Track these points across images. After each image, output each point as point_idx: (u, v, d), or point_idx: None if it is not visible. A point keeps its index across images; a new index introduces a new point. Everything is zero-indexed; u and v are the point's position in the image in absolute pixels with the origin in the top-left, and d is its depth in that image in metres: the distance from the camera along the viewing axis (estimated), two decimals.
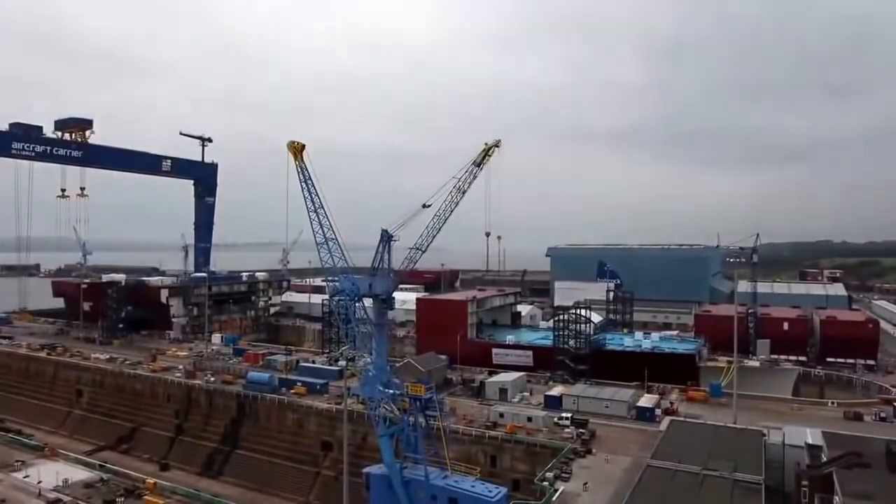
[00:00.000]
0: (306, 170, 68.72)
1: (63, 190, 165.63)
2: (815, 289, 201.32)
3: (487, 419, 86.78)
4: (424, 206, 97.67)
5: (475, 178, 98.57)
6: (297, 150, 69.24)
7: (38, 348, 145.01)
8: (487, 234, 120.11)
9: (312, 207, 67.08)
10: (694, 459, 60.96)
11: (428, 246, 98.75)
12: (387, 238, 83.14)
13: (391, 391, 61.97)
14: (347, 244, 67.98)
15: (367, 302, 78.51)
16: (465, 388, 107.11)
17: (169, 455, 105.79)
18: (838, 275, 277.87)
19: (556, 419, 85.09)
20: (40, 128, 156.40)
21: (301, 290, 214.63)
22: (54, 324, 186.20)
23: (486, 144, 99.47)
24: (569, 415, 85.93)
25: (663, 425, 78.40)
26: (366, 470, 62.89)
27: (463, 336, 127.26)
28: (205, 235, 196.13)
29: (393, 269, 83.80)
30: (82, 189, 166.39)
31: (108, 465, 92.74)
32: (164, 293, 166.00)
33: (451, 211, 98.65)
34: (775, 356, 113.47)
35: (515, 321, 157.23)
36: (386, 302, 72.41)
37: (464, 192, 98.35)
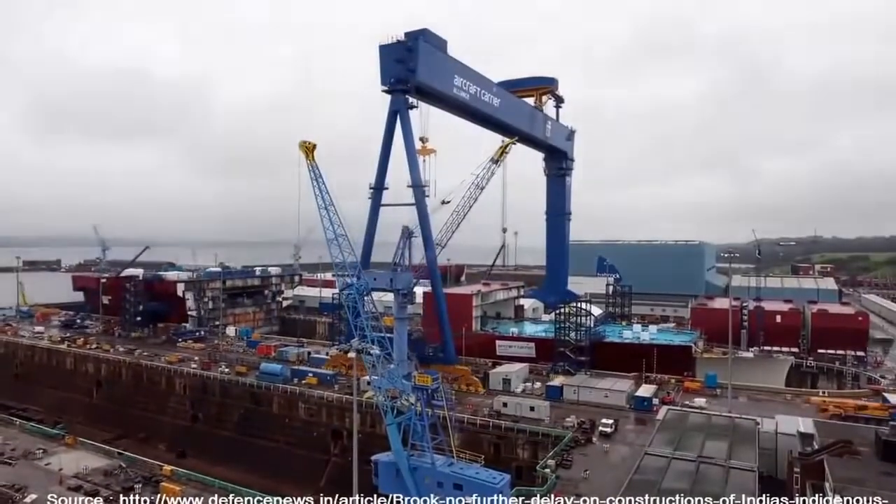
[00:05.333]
0: (317, 168, 71.09)
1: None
2: (807, 283, 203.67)
3: (491, 409, 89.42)
4: (443, 202, 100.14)
5: (493, 174, 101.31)
6: (308, 149, 71.57)
7: (58, 340, 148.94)
8: (504, 230, 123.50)
9: (323, 205, 69.08)
10: (690, 447, 62.73)
11: (447, 241, 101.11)
12: (407, 234, 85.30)
13: (411, 383, 63.42)
14: None
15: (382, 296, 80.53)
16: None
17: (185, 443, 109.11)
18: (829, 269, 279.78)
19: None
20: None
21: (312, 284, 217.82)
22: (75, 316, 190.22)
23: (503, 142, 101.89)
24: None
25: (660, 414, 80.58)
26: (374, 457, 64.22)
27: (468, 328, 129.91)
28: None
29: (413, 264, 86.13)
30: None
31: (126, 454, 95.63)
32: (180, 287, 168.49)
33: (470, 207, 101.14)
34: (768, 348, 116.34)
35: (518, 314, 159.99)
36: (407, 296, 74.21)
37: (482, 189, 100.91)
